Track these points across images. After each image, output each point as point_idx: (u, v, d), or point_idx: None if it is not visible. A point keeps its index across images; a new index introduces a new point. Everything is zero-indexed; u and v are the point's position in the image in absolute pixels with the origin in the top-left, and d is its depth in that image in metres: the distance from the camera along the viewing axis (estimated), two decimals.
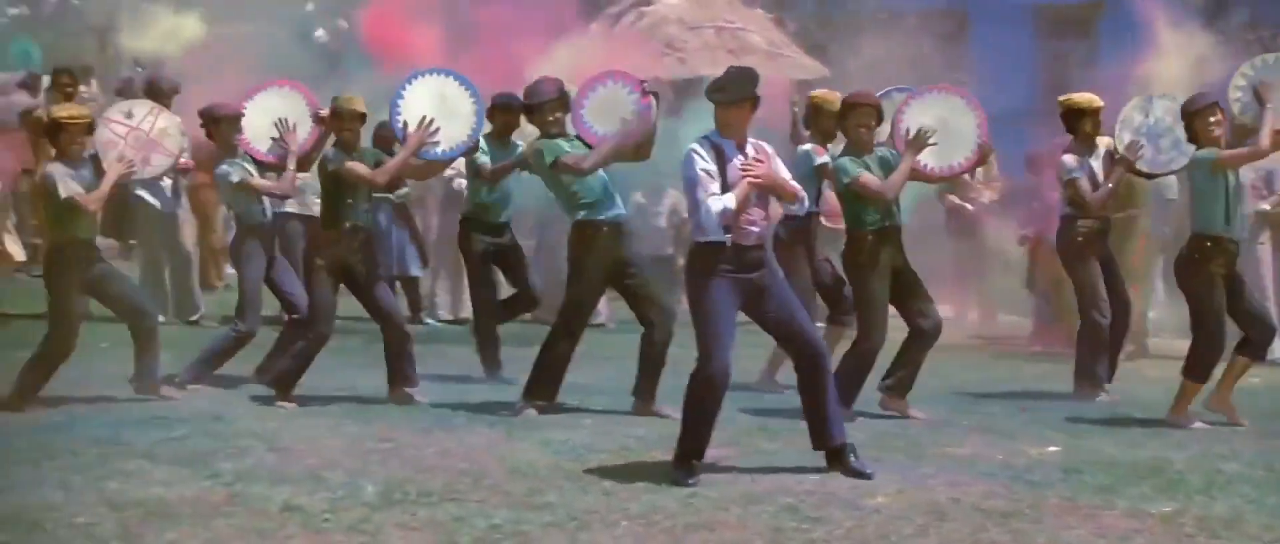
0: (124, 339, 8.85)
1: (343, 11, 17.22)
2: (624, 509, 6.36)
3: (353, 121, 8.75)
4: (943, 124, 8.72)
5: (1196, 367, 8.53)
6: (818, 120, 9.51)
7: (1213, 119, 8.54)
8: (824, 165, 9.21)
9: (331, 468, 6.90)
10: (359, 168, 8.66)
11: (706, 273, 6.84)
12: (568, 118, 8.82)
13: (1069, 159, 9.48)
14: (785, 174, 7.14)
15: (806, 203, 7.77)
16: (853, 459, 7.00)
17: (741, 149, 6.91)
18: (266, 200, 9.27)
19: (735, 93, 6.87)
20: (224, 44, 12.47)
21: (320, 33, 18.33)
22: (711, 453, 7.04)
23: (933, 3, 21.05)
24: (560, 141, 8.63)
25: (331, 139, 8.95)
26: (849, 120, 8.66)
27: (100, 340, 9.72)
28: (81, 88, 14.86)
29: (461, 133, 8.88)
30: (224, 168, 9.07)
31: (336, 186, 8.69)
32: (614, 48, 16.96)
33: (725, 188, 6.79)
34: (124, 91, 13.96)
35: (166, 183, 11.72)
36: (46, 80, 14.92)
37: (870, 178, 8.49)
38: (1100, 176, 9.45)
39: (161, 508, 6.20)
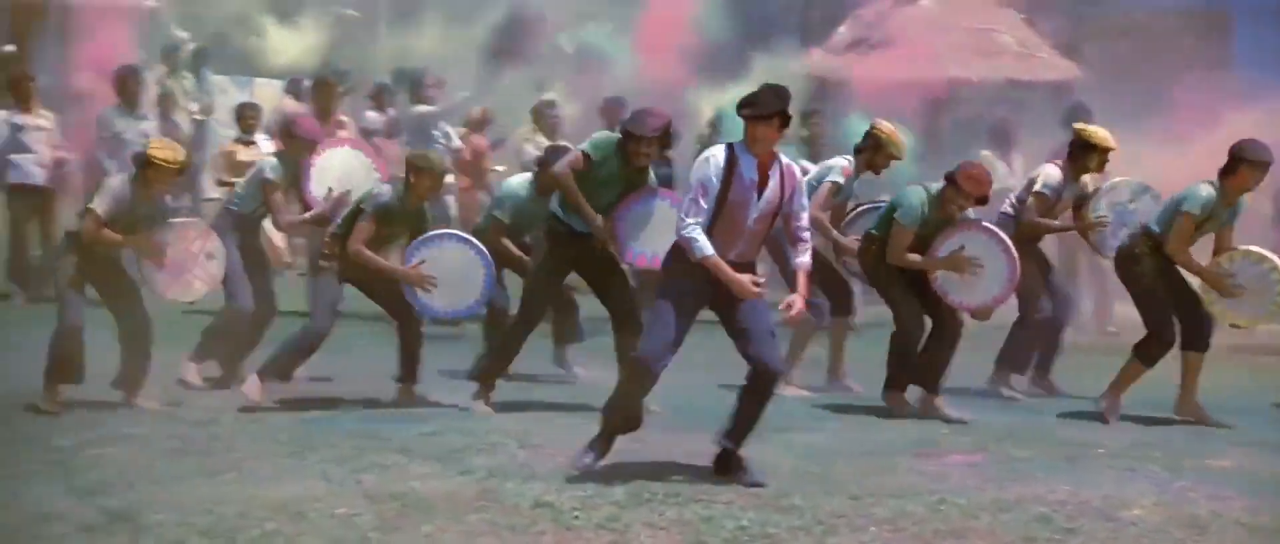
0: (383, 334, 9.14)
1: None
2: (871, 514, 6.32)
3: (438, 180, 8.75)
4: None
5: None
6: (873, 157, 9.33)
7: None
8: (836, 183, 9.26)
9: None
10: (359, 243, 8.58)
11: (678, 270, 6.81)
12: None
13: (1053, 172, 9.44)
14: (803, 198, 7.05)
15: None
16: (747, 473, 6.89)
17: (766, 166, 6.78)
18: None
19: (763, 108, 6.71)
20: None
21: None
22: (962, 458, 6.95)
23: (1192, 2, 20.33)
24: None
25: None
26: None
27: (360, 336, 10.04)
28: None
29: None
30: (267, 162, 9.31)
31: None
32: (861, 50, 16.92)
33: (724, 198, 6.70)
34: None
35: None
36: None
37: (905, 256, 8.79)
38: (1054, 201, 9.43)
39: (417, 502, 6.36)
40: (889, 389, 8.87)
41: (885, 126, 9.25)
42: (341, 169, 9.25)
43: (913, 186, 8.88)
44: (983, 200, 8.69)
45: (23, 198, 11.93)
